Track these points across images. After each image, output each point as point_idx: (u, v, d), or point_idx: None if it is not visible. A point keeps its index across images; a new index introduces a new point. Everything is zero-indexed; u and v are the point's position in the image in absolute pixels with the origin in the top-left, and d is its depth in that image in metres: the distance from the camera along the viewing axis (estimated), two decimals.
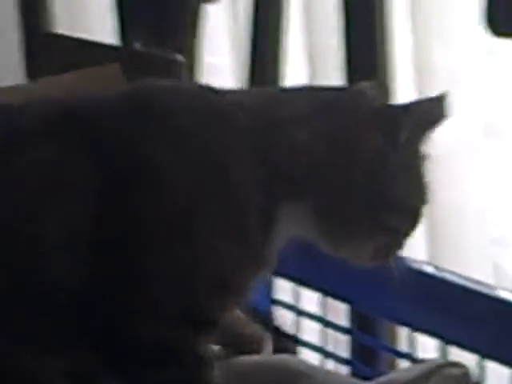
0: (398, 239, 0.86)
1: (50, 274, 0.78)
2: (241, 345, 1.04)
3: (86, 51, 1.43)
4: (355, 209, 0.82)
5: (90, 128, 0.81)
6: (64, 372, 0.80)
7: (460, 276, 0.99)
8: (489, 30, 1.05)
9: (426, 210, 1.30)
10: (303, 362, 1.05)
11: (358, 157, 0.83)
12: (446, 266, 1.17)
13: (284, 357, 1.07)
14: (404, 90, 1.30)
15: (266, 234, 0.82)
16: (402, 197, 0.84)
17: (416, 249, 1.33)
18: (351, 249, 0.85)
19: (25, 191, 0.79)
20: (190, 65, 1.43)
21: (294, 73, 1.42)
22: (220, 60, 1.59)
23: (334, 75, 1.34)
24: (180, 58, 1.34)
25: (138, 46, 1.52)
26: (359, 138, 0.83)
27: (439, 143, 1.29)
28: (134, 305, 0.81)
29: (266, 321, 1.09)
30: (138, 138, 0.80)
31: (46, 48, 1.62)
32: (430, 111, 0.84)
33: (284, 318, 1.14)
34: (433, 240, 1.37)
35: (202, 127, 0.81)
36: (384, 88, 1.21)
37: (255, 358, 1.06)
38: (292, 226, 0.83)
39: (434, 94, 1.28)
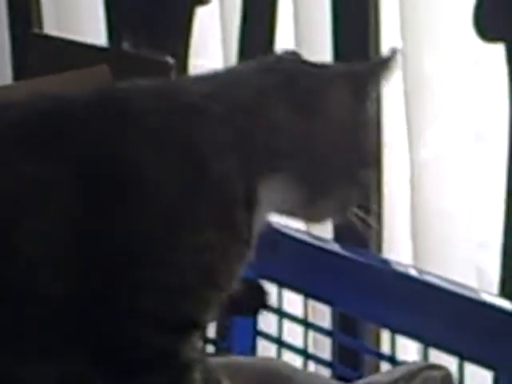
0: (364, 192, 0.88)
1: (33, 286, 0.77)
2: None
3: (75, 52, 1.42)
4: (333, 170, 0.83)
5: (67, 135, 0.81)
6: (55, 380, 0.80)
7: (443, 279, 0.98)
8: (477, 35, 1.08)
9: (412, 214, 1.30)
10: (285, 364, 1.05)
11: (331, 120, 0.83)
12: (431, 268, 1.17)
13: (266, 359, 1.08)
14: (393, 98, 1.31)
15: (250, 216, 0.82)
16: (372, 150, 0.87)
17: (401, 252, 1.37)
18: (323, 210, 0.86)
19: (4, 204, 0.78)
20: (179, 67, 1.42)
21: None
22: (208, 62, 1.58)
23: None
24: (169, 59, 1.34)
25: (126, 46, 1.53)
26: (329, 102, 0.84)
27: (429, 148, 1.30)
28: (120, 313, 0.80)
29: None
30: (117, 142, 0.80)
31: (33, 49, 1.61)
32: (385, 66, 0.86)
33: (267, 320, 1.14)
34: (418, 243, 1.36)
35: (178, 123, 0.81)
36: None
37: (239, 359, 1.05)
38: (272, 203, 0.84)
39: (423, 102, 1.27)
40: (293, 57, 0.90)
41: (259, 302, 1.06)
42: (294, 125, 0.83)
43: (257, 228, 0.84)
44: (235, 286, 0.85)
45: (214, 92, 0.83)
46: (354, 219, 0.91)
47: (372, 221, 0.99)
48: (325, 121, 0.84)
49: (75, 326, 0.79)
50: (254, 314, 1.10)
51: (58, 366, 0.81)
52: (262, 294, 1.06)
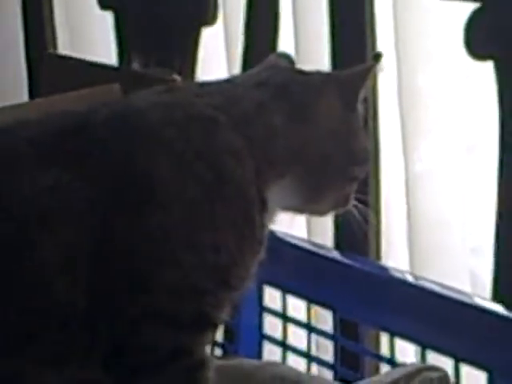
0: (356, 185, 0.91)
1: (52, 292, 0.78)
2: None
3: (87, 71, 1.42)
4: (329, 171, 0.86)
5: (88, 151, 0.81)
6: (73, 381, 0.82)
7: (438, 284, 0.99)
8: (467, 54, 1.08)
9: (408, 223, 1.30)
10: (291, 369, 1.05)
11: (324, 127, 0.85)
12: (426, 274, 1.18)
13: (273, 363, 1.08)
14: (388, 113, 1.31)
15: (261, 217, 0.84)
16: (362, 148, 0.89)
17: (399, 258, 1.36)
18: (325, 204, 0.89)
19: (25, 214, 0.79)
20: None
21: None
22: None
23: None
24: (177, 78, 1.35)
25: (136, 66, 1.53)
26: (319, 109, 0.85)
27: (423, 160, 1.31)
28: (136, 313, 0.81)
29: None
30: (136, 154, 0.81)
31: (48, 68, 1.60)
32: (369, 71, 0.87)
33: (272, 325, 1.14)
34: (414, 250, 1.36)
35: (195, 132, 0.82)
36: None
37: (246, 363, 1.06)
38: (277, 204, 0.86)
39: (418, 117, 1.28)
40: (285, 60, 0.91)
41: None
42: (290, 133, 0.84)
43: (267, 227, 0.86)
44: (248, 285, 0.86)
45: (221, 104, 0.85)
46: (355, 212, 0.93)
47: (371, 217, 1.03)
48: (317, 127, 0.86)
49: (91, 328, 0.80)
50: None
51: (71, 370, 0.81)
52: None
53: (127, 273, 0.81)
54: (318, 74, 0.93)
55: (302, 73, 0.91)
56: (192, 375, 0.84)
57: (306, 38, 1.46)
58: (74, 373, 0.82)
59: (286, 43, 1.45)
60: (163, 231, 0.80)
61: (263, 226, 0.85)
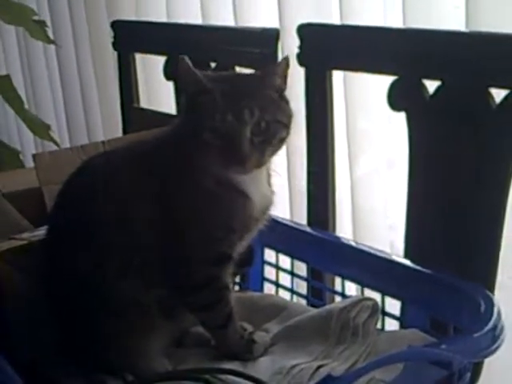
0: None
1: (141, 244, 0.87)
2: None
3: (159, 119, 1.40)
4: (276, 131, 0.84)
5: (156, 164, 0.87)
6: (155, 299, 0.90)
7: (370, 247, 1.02)
8: (388, 106, 1.10)
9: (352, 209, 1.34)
10: (281, 298, 1.11)
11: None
12: (363, 241, 1.22)
13: (270, 295, 1.14)
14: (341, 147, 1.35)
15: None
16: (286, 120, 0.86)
17: (346, 232, 1.44)
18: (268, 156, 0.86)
19: (116, 199, 0.87)
20: None
21: None
22: None
23: None
24: None
25: None
26: (268, 87, 0.84)
27: (361, 168, 1.37)
28: (184, 257, 0.87)
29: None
30: (180, 164, 0.86)
31: (133, 116, 1.63)
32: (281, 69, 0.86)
33: (269, 272, 1.18)
34: (356, 226, 1.45)
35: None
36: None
37: (253, 294, 1.11)
38: None
39: (358, 149, 1.33)
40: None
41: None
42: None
43: None
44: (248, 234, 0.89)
45: None
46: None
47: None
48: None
49: (162, 265, 0.87)
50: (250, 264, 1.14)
51: (155, 290, 0.89)
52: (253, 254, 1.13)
53: (174, 233, 0.87)
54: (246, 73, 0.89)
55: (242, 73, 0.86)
56: (220, 293, 0.90)
57: None
58: (154, 291, 0.89)
59: None
60: (191, 214, 0.87)
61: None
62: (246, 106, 0.81)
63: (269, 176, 0.92)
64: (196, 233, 0.85)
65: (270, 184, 0.92)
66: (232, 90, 0.82)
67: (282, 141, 0.85)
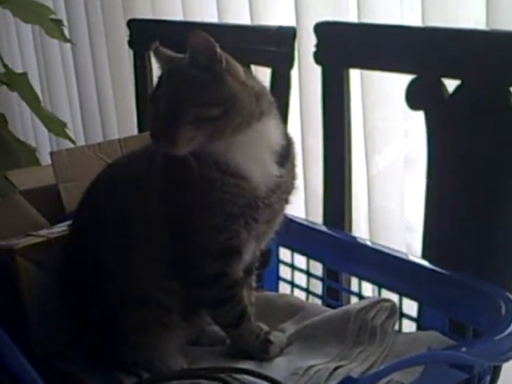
0: None
1: (155, 239, 0.87)
2: None
3: None
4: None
5: (164, 166, 0.87)
6: (174, 298, 0.90)
7: (387, 247, 1.02)
8: (407, 104, 1.09)
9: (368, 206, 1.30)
10: (298, 298, 1.10)
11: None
12: (379, 242, 1.21)
13: (285, 294, 1.13)
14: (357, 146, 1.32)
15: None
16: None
17: (362, 231, 1.44)
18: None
19: (135, 198, 0.89)
20: None
21: None
22: None
23: None
24: None
25: None
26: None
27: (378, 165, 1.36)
28: (192, 249, 0.87)
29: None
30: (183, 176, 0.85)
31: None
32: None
33: (285, 271, 1.17)
34: (372, 226, 1.43)
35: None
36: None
37: (269, 293, 1.11)
38: None
39: (375, 148, 1.32)
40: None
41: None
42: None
43: None
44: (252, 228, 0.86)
45: None
46: None
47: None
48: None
49: (172, 258, 0.87)
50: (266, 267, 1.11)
51: (173, 287, 0.89)
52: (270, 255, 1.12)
53: (186, 229, 0.86)
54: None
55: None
56: (229, 291, 0.89)
57: None
58: (173, 288, 0.89)
59: None
60: (199, 209, 0.86)
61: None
62: (162, 83, 0.83)
63: (282, 155, 0.88)
64: (194, 222, 0.84)
65: (282, 164, 0.88)
66: (167, 70, 0.85)
67: (210, 120, 0.81)
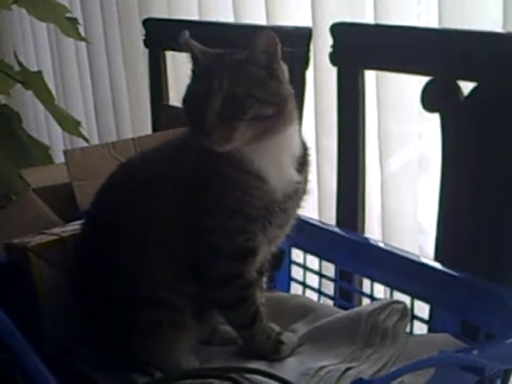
0: None
1: (163, 239, 0.88)
2: None
3: None
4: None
5: (181, 164, 0.88)
6: (188, 298, 0.90)
7: (400, 249, 1.02)
8: (422, 107, 1.09)
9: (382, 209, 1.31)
10: (310, 299, 1.10)
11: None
12: (393, 243, 1.23)
13: (298, 295, 1.12)
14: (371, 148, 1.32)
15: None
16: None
17: (375, 233, 1.42)
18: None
19: (156, 196, 0.88)
20: None
21: None
22: None
23: None
24: None
25: None
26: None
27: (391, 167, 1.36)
28: (206, 250, 0.87)
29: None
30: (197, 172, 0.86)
31: (163, 113, 1.61)
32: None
33: (297, 272, 1.17)
34: (384, 228, 1.43)
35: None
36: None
37: (281, 294, 1.11)
38: None
39: (389, 150, 1.32)
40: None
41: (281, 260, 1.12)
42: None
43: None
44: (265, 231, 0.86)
45: None
46: None
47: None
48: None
49: (186, 259, 0.87)
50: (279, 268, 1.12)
51: (187, 288, 0.89)
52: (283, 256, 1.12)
53: (200, 229, 0.87)
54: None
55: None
56: (243, 292, 0.89)
57: None
58: (186, 288, 0.89)
59: None
60: (215, 207, 0.86)
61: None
62: (216, 77, 0.79)
63: (300, 162, 0.89)
64: (212, 223, 0.84)
65: (301, 170, 0.89)
66: (212, 64, 0.81)
67: (263, 119, 0.81)
